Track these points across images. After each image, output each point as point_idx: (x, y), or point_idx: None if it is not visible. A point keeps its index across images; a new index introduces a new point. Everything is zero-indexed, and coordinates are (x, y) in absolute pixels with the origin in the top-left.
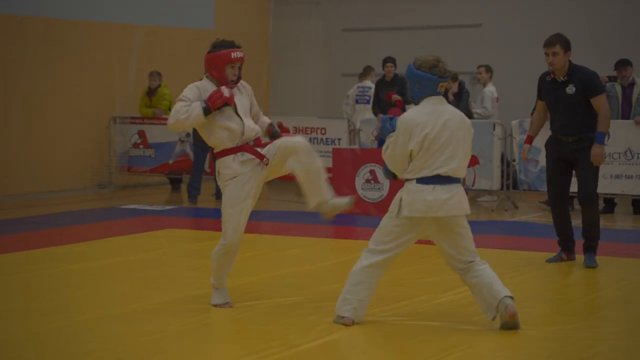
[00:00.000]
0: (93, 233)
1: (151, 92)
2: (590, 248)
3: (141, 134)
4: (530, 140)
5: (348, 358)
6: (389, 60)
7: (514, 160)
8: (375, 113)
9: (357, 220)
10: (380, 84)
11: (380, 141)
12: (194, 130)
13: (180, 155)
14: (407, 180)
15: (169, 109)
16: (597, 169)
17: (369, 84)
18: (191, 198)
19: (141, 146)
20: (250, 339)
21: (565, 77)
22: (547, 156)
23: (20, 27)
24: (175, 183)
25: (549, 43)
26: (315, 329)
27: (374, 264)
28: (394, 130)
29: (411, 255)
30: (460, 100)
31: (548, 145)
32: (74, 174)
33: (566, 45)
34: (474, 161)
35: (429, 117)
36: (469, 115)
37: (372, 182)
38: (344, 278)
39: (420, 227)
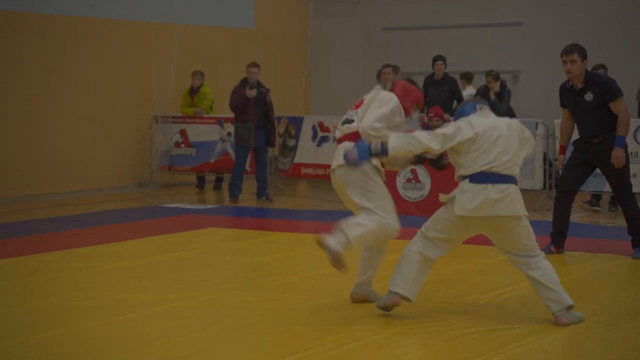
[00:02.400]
0: (134, 232)
1: (193, 92)
2: (637, 242)
3: (182, 133)
4: (563, 150)
5: (391, 357)
6: (439, 59)
7: (556, 160)
8: (423, 111)
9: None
10: (429, 83)
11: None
12: (235, 130)
13: (221, 155)
14: (462, 178)
15: (211, 108)
16: (627, 167)
17: None
18: (232, 197)
19: (182, 145)
20: (290, 337)
21: (582, 85)
22: (572, 152)
23: (64, 27)
24: (200, 182)
25: (568, 51)
26: (357, 327)
27: (422, 247)
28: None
29: (456, 256)
30: (502, 99)
31: (576, 145)
32: (116, 172)
33: (583, 54)
34: None
35: (482, 121)
36: (511, 114)
37: (413, 181)
38: (383, 278)
39: (472, 226)
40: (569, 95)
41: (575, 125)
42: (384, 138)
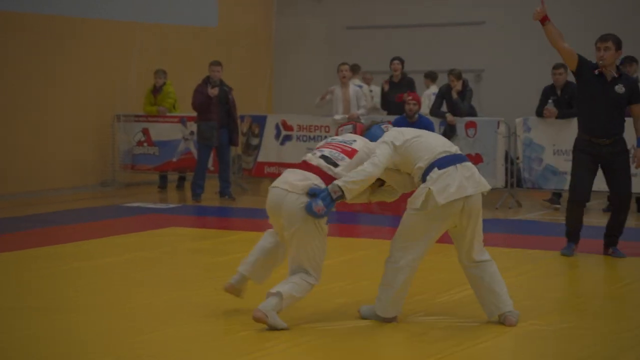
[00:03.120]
0: (96, 231)
1: (156, 90)
2: (614, 242)
3: (145, 131)
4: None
5: (348, 355)
6: (395, 59)
7: (517, 158)
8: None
9: (361, 218)
10: (389, 84)
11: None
12: (198, 128)
13: (184, 154)
14: (425, 172)
15: (174, 107)
16: (629, 171)
17: (358, 82)
18: (195, 196)
19: (145, 144)
20: (250, 337)
21: (617, 74)
22: (577, 157)
23: (21, 24)
24: (163, 181)
25: (603, 38)
26: (316, 326)
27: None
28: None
29: None
30: (464, 98)
31: (579, 147)
32: (78, 171)
33: (618, 44)
34: (477, 159)
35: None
36: (473, 113)
37: None
38: (349, 276)
39: (451, 215)
40: (596, 83)
41: (582, 125)
42: (338, 181)
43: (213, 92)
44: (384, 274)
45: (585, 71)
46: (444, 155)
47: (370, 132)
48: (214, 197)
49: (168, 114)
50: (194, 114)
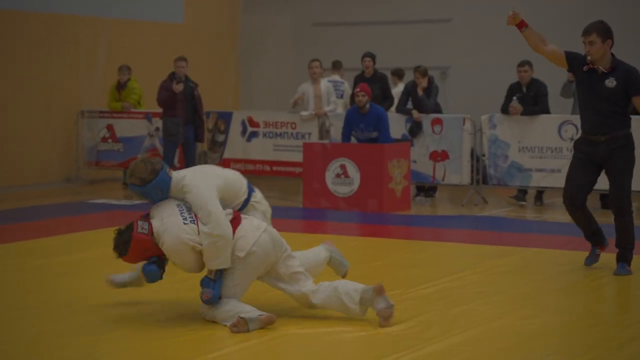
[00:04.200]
0: (60, 227)
1: (120, 86)
2: (622, 257)
3: (109, 128)
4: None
5: (310, 352)
6: (367, 55)
7: (483, 155)
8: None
9: (327, 215)
10: (359, 80)
11: (347, 131)
12: (164, 125)
13: (149, 150)
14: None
15: (138, 103)
16: (631, 172)
17: (339, 78)
18: None
19: (110, 140)
20: (204, 337)
21: (608, 69)
22: (573, 156)
23: None
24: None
25: (586, 31)
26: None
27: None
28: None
29: (380, 250)
30: (430, 95)
31: (577, 146)
32: (42, 168)
33: (605, 34)
34: (443, 156)
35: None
36: (439, 110)
37: (342, 176)
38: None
39: (269, 258)
40: (587, 79)
41: (581, 123)
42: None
43: (178, 87)
44: None
45: (577, 67)
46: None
47: (159, 182)
48: None
49: (133, 110)
50: (159, 110)
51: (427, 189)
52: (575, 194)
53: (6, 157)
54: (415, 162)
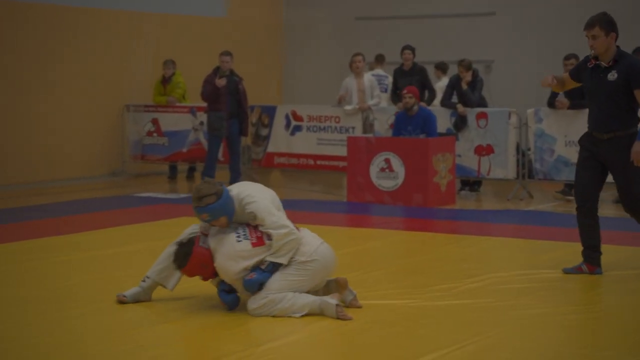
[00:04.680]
0: (106, 221)
1: (165, 81)
2: None
3: (155, 122)
4: (553, 79)
5: (360, 345)
6: (407, 48)
7: (529, 149)
8: (394, 102)
9: (372, 209)
10: (398, 73)
11: (395, 133)
12: (208, 119)
13: (194, 144)
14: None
15: (183, 97)
16: (638, 170)
17: (382, 72)
18: None
19: (155, 134)
20: (259, 327)
21: (610, 63)
22: (580, 152)
23: (32, 14)
24: (173, 171)
25: (588, 25)
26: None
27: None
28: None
29: (426, 244)
30: (475, 88)
31: (581, 142)
32: (88, 162)
33: (608, 27)
34: (488, 150)
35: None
36: (484, 104)
37: (386, 170)
38: (361, 266)
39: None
40: (589, 74)
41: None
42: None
43: (220, 82)
44: None
45: (581, 71)
46: None
47: (225, 206)
48: None
49: (177, 104)
50: (204, 104)
51: (472, 183)
52: (581, 196)
53: (53, 151)
54: (460, 156)
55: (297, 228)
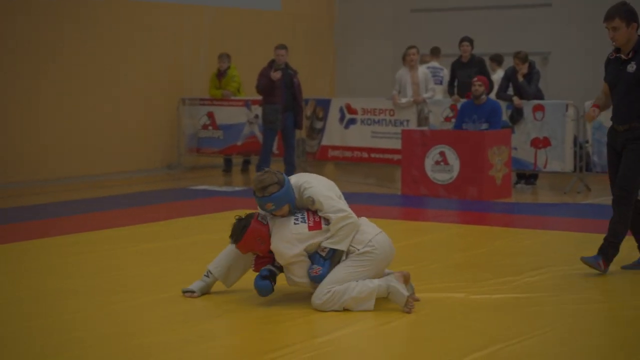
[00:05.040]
0: (162, 214)
1: (220, 74)
2: (604, 250)
3: (210, 115)
4: (598, 107)
5: (416, 338)
6: (465, 40)
7: (587, 142)
8: (451, 95)
9: (426, 202)
10: (457, 65)
11: (458, 122)
12: (263, 112)
13: (248, 137)
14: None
15: (238, 91)
16: (636, 165)
17: (437, 64)
18: None
19: (210, 127)
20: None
21: (630, 54)
22: (607, 145)
23: (96, 9)
24: (228, 164)
25: (607, 16)
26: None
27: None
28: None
29: (482, 238)
30: (531, 81)
31: (608, 134)
32: (144, 155)
33: (629, 17)
34: (545, 143)
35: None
36: (540, 96)
37: (441, 163)
38: (416, 260)
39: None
40: (612, 66)
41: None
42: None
43: (275, 75)
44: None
45: (607, 62)
46: None
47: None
48: None
49: (233, 98)
50: (259, 97)
51: (528, 177)
52: (613, 189)
53: (109, 144)
54: (516, 149)
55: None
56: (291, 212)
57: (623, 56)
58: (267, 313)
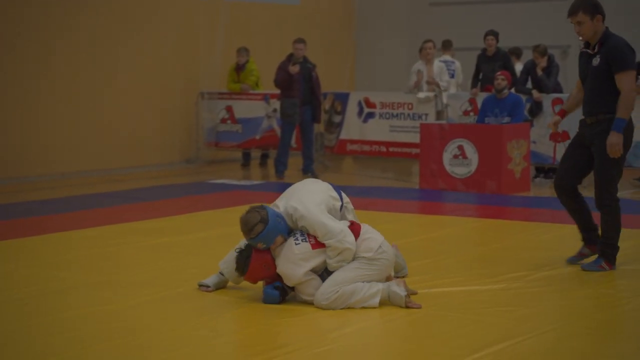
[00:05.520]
0: (180, 207)
1: (239, 68)
2: (601, 253)
3: (228, 109)
4: (560, 113)
5: (430, 332)
6: (490, 34)
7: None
8: (473, 87)
9: (445, 196)
10: (482, 59)
11: (481, 116)
12: (281, 106)
13: (267, 131)
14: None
15: (256, 85)
16: (614, 161)
17: (449, 58)
18: (278, 173)
19: (228, 121)
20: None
21: (596, 48)
22: (575, 134)
23: (111, 2)
24: (246, 158)
25: (571, 11)
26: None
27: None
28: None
29: (500, 232)
30: (550, 74)
31: (579, 123)
32: (163, 149)
33: (593, 9)
34: (564, 136)
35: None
36: (559, 89)
37: (460, 157)
38: (433, 254)
39: None
40: (582, 60)
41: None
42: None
43: (293, 69)
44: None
45: (579, 60)
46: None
47: (276, 226)
48: (297, 174)
49: (251, 92)
50: (277, 91)
51: (547, 170)
52: (561, 178)
53: (128, 138)
54: (534, 142)
55: (359, 224)
56: (286, 239)
57: (589, 50)
58: (280, 308)
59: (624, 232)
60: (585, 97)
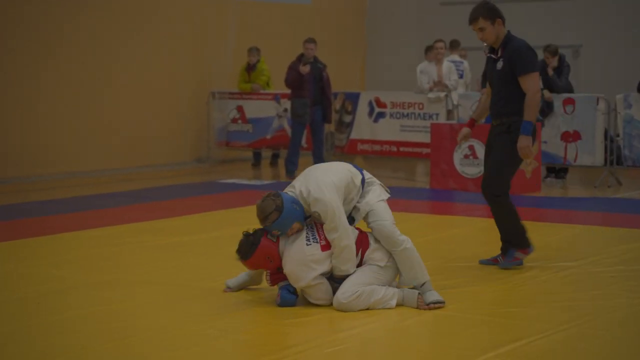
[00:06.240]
0: (191, 207)
1: (250, 68)
2: (507, 248)
3: (239, 109)
4: (469, 123)
5: (441, 333)
6: None
7: (618, 136)
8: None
9: (455, 196)
10: (492, 59)
11: None
12: (292, 106)
13: (277, 130)
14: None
15: (267, 84)
16: (508, 159)
17: (457, 57)
18: (288, 173)
19: (239, 121)
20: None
21: (499, 53)
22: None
23: (123, 2)
24: (256, 158)
25: (471, 19)
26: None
27: None
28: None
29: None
30: (561, 74)
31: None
32: (173, 148)
33: (492, 14)
34: (575, 136)
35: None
36: (570, 89)
37: (470, 157)
38: (444, 254)
39: None
40: (488, 65)
41: None
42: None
43: (304, 69)
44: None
45: (485, 65)
46: None
47: (292, 214)
48: None
49: (262, 92)
50: (288, 91)
51: (558, 170)
52: (482, 186)
53: (139, 138)
54: (545, 142)
55: (360, 230)
56: (304, 225)
57: (493, 56)
58: (284, 310)
59: (634, 232)
60: (492, 100)
